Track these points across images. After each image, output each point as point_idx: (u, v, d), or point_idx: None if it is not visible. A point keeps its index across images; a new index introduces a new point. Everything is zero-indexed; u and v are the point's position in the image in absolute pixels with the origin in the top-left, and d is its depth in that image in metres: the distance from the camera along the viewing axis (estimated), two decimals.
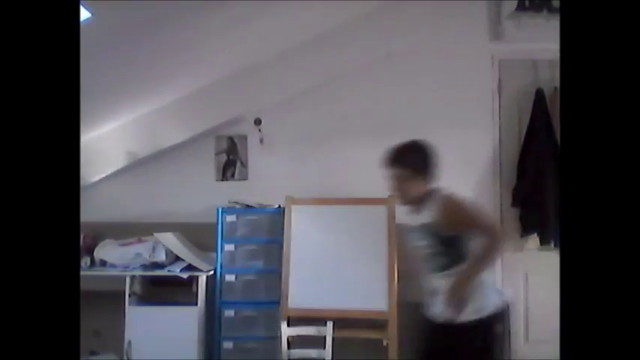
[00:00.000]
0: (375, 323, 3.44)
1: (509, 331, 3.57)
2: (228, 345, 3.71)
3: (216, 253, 3.77)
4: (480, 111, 4.00)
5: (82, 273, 3.03)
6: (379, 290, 3.41)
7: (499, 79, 4.02)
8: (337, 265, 3.44)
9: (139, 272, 3.59)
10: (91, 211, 3.50)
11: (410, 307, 3.64)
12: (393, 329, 3.34)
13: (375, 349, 3.50)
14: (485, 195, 3.96)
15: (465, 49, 3.98)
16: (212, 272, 3.72)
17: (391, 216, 3.50)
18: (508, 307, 2.54)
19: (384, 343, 3.37)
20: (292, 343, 3.46)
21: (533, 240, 3.84)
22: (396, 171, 2.46)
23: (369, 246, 3.50)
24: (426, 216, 2.41)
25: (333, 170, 4.00)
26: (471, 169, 3.97)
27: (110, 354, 3.68)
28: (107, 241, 3.78)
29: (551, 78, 3.91)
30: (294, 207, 3.64)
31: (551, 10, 3.85)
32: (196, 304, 3.61)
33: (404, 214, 2.59)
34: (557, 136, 3.76)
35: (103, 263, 3.70)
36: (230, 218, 3.77)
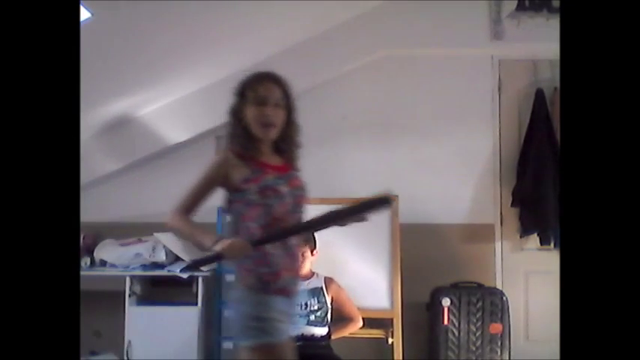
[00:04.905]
0: (379, 322, 3.45)
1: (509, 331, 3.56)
2: (228, 345, 3.70)
3: None
4: (480, 111, 4.00)
5: (82, 273, 3.03)
6: (383, 289, 3.42)
7: (499, 79, 4.01)
8: (341, 264, 3.43)
9: (139, 272, 3.58)
10: (91, 211, 3.49)
11: (414, 306, 3.66)
12: (397, 328, 3.35)
13: (379, 348, 3.50)
14: (486, 195, 3.96)
15: (465, 48, 3.98)
16: (212, 272, 3.72)
17: (395, 215, 3.50)
18: None
19: (389, 341, 3.37)
20: None
21: (533, 240, 3.84)
22: None
23: (372, 245, 3.50)
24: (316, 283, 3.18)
25: (332, 170, 3.99)
26: (471, 169, 3.97)
27: (110, 354, 3.68)
28: (107, 241, 3.77)
29: (551, 78, 3.91)
30: None
31: (551, 10, 3.86)
32: (196, 304, 3.61)
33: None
34: (557, 136, 3.76)
35: (103, 263, 3.69)
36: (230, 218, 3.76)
